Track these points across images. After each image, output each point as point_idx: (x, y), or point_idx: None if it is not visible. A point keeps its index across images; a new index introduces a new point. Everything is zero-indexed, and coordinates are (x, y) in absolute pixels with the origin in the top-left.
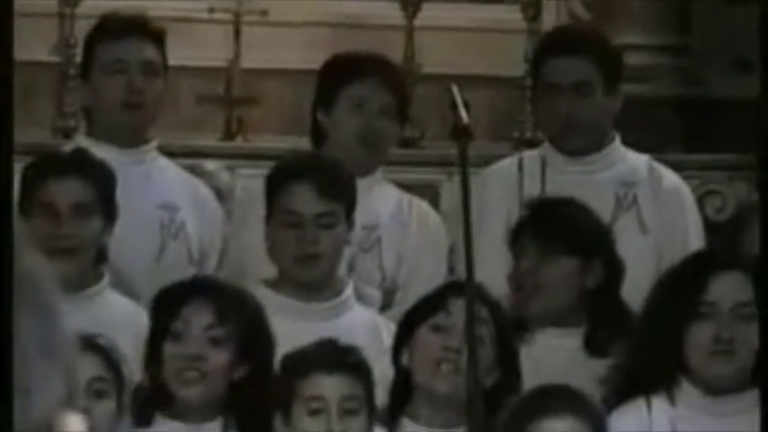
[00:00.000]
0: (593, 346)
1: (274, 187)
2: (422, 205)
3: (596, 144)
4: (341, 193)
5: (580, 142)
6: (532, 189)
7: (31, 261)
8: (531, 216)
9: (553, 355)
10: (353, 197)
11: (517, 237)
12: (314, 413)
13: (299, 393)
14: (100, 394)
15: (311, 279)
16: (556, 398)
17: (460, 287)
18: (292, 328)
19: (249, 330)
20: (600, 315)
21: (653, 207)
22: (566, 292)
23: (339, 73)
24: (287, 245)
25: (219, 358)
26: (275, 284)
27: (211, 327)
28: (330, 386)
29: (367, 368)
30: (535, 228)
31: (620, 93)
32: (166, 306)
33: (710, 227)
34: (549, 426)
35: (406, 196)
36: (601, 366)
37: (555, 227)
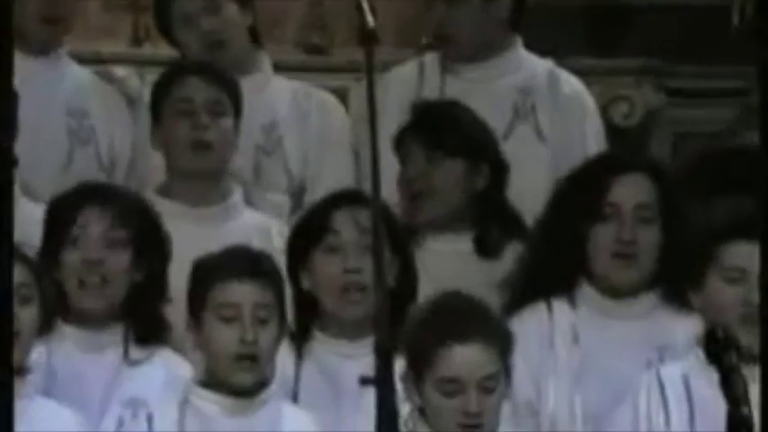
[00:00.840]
0: (484, 249)
1: (165, 87)
2: (319, 93)
3: (482, 52)
4: (227, 85)
5: (455, 51)
6: (431, 94)
7: None
8: (416, 119)
9: (445, 260)
10: (239, 94)
11: (403, 141)
12: (227, 320)
13: (211, 300)
14: (25, 300)
15: (204, 169)
16: (465, 320)
17: (340, 199)
18: (182, 234)
19: (147, 234)
20: (489, 217)
21: (551, 115)
22: (455, 195)
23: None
24: (181, 133)
25: (119, 261)
26: (165, 190)
27: (109, 230)
28: (243, 293)
29: (279, 276)
30: (421, 131)
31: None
32: (62, 213)
33: (618, 132)
34: (460, 352)
35: (301, 86)
36: (493, 269)
37: (441, 129)
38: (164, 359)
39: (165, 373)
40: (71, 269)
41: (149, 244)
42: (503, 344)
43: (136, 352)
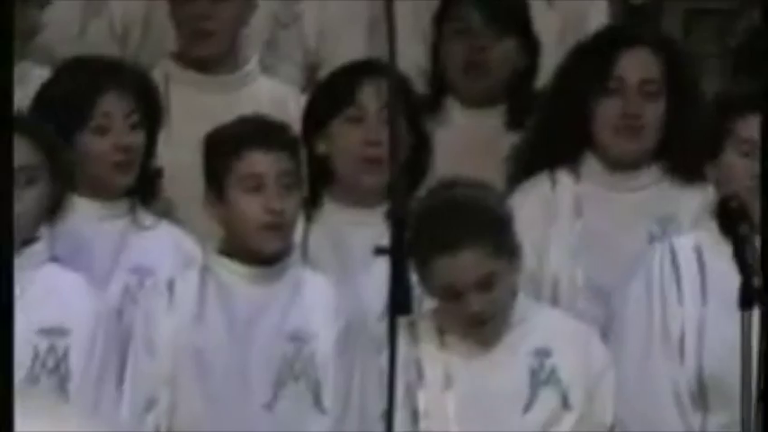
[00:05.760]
0: (515, 123)
1: None
2: None
3: None
4: None
5: None
6: None
7: None
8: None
9: (469, 134)
10: None
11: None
12: (252, 190)
13: (235, 171)
14: (30, 181)
15: (208, 55)
16: (456, 228)
17: (362, 68)
18: (194, 100)
19: (151, 104)
20: (521, 93)
21: None
22: (506, 70)
23: None
24: (184, 20)
25: (140, 141)
26: (178, 57)
27: (129, 115)
28: (268, 162)
29: (298, 145)
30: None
31: None
32: (81, 98)
33: (631, 9)
34: (450, 263)
35: None
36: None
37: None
38: (168, 229)
39: (171, 242)
40: (98, 154)
41: (150, 112)
42: (497, 242)
43: (145, 218)
